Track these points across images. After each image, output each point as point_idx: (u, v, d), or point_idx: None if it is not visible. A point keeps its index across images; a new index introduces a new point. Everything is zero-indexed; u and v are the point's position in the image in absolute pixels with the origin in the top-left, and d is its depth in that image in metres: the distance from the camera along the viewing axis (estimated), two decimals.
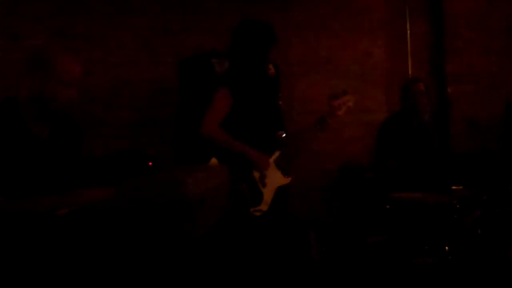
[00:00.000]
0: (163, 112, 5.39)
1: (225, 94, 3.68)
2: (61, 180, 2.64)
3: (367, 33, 6.49)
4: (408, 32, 6.56)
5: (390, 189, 4.40)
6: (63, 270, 2.23)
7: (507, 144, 6.04)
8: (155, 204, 2.13)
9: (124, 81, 5.38)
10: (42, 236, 2.31)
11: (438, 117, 6.57)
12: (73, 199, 2.49)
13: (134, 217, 2.16)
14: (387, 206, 4.33)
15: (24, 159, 2.50)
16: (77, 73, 2.61)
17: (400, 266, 4.01)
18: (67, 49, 2.66)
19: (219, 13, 5.74)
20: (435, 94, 6.62)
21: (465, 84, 6.50)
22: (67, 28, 5.15)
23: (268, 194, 3.69)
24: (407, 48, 6.56)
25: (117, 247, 2.18)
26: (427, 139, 5.05)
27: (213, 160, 3.63)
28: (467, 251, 3.91)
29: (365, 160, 5.31)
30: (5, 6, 4.96)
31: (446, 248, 3.89)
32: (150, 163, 4.75)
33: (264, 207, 3.64)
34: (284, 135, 3.86)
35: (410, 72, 6.53)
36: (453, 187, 4.11)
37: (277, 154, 3.78)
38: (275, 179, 3.76)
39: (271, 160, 3.76)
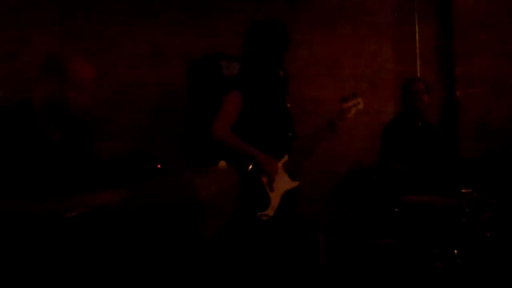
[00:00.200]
0: (172, 115, 5.39)
1: (237, 97, 3.63)
2: (73, 182, 2.65)
3: (376, 36, 6.48)
4: (417, 34, 6.56)
5: (398, 192, 4.39)
6: (72, 272, 2.24)
7: None
8: (165, 206, 2.13)
9: (133, 83, 5.39)
10: (51, 238, 2.32)
11: (447, 120, 6.56)
12: (83, 201, 2.50)
13: (144, 219, 2.16)
14: (396, 209, 4.32)
15: (37, 161, 2.52)
16: (90, 79, 2.62)
17: (408, 270, 4.01)
18: (78, 52, 2.68)
19: (228, 16, 5.75)
20: (444, 97, 6.62)
21: (474, 87, 6.48)
22: (78, 31, 5.16)
23: (275, 198, 3.65)
24: (415, 50, 6.55)
25: (127, 249, 2.18)
26: (432, 139, 5.04)
27: (222, 163, 3.61)
28: (476, 255, 3.90)
29: (374, 162, 5.29)
30: (16, 9, 4.97)
31: (455, 251, 3.88)
32: (159, 166, 4.75)
33: (270, 212, 3.59)
34: (293, 138, 3.86)
35: (418, 74, 6.52)
36: (462, 190, 4.10)
37: (285, 158, 3.76)
38: (283, 183, 3.71)
39: (280, 164, 3.73)
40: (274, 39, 3.67)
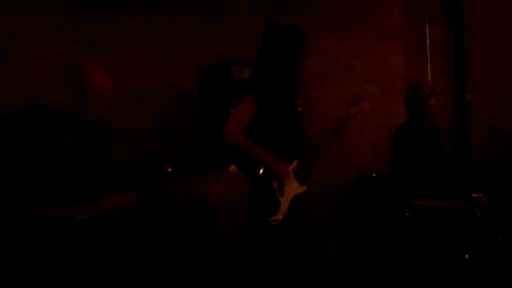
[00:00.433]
0: (183, 119, 5.40)
1: (251, 101, 3.60)
2: (86, 186, 2.66)
3: (386, 40, 6.48)
4: (428, 38, 6.55)
5: (410, 197, 4.39)
6: (84, 275, 2.25)
7: None
8: (176, 211, 2.14)
9: (144, 87, 5.40)
10: (63, 242, 2.33)
11: (458, 124, 6.54)
12: (94, 205, 2.51)
13: (154, 223, 2.17)
14: (407, 214, 4.31)
15: (51, 166, 2.53)
16: (108, 92, 2.63)
17: (419, 274, 4.00)
18: (88, 57, 2.69)
19: (239, 21, 5.76)
20: (455, 101, 6.60)
21: (485, 91, 6.47)
22: (89, 35, 5.18)
23: (284, 203, 3.63)
24: (426, 54, 6.55)
25: (138, 253, 2.19)
26: (439, 143, 5.04)
27: (232, 167, 3.60)
28: (487, 260, 3.88)
29: (385, 167, 5.29)
30: (26, 13, 5.00)
31: (466, 256, 3.87)
32: (170, 170, 4.77)
33: (280, 216, 3.58)
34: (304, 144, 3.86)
35: (429, 78, 6.51)
36: (474, 195, 4.09)
37: (295, 162, 3.76)
38: (292, 188, 3.70)
39: (290, 169, 3.73)
40: (289, 44, 3.66)
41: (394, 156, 4.85)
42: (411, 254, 4.15)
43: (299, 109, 4.06)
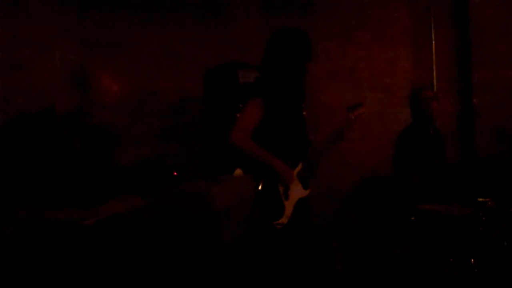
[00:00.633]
0: (188, 122, 5.42)
1: (258, 105, 3.60)
2: (93, 190, 2.67)
3: (392, 43, 6.49)
4: (433, 42, 6.54)
5: (415, 201, 4.38)
6: (90, 280, 2.26)
7: None
8: (181, 215, 2.14)
9: (150, 90, 5.42)
10: (70, 245, 2.34)
11: (463, 128, 6.53)
12: (100, 209, 2.52)
13: (160, 227, 2.17)
14: (412, 218, 4.31)
15: (58, 169, 2.54)
16: (114, 96, 2.63)
17: (425, 278, 3.99)
18: (94, 61, 2.69)
19: (244, 25, 5.77)
20: (461, 104, 6.59)
21: (491, 95, 6.46)
22: (95, 38, 5.20)
23: (289, 207, 3.65)
24: (432, 58, 6.54)
25: (143, 257, 2.19)
26: (442, 146, 5.04)
27: (238, 171, 3.61)
28: (493, 264, 3.87)
29: (390, 170, 5.29)
30: (33, 17, 5.03)
31: (472, 260, 3.86)
32: (175, 173, 4.78)
33: (284, 220, 3.60)
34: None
35: (435, 82, 6.51)
36: (479, 199, 4.08)
37: (299, 166, 3.77)
38: (296, 192, 3.72)
39: (294, 172, 3.74)
40: (297, 48, 3.66)
41: (398, 159, 4.85)
42: (416, 258, 4.15)
43: (304, 113, 4.07)
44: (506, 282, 3.79)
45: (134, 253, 2.20)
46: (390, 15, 6.48)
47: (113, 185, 2.85)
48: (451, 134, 6.15)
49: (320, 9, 6.15)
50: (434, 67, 6.53)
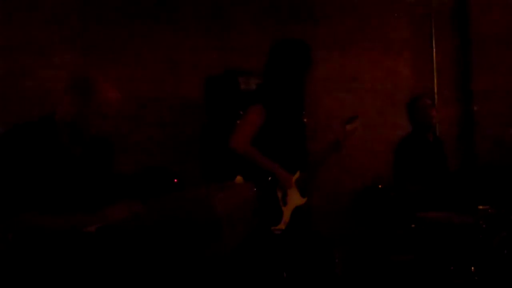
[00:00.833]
0: (189, 129, 5.43)
1: (259, 111, 3.64)
2: (93, 197, 2.67)
3: (393, 51, 6.50)
4: (434, 50, 6.56)
5: (415, 209, 4.38)
6: (90, 286, 2.26)
7: None
8: (182, 222, 2.15)
9: (151, 97, 5.44)
10: (70, 252, 2.34)
11: (464, 136, 6.53)
12: (101, 216, 2.52)
13: (161, 234, 2.18)
14: (413, 225, 4.31)
15: (58, 176, 2.54)
16: (115, 106, 2.63)
17: (425, 286, 3.99)
18: (95, 68, 2.70)
19: (245, 31, 5.79)
20: (461, 112, 6.60)
21: (491, 103, 6.46)
22: (96, 45, 5.22)
23: (286, 213, 3.68)
24: (433, 66, 6.55)
25: (144, 264, 2.20)
26: (442, 154, 5.04)
27: (239, 178, 3.63)
28: (493, 272, 3.87)
29: (391, 178, 5.29)
30: (34, 23, 5.04)
31: (472, 268, 3.86)
32: (176, 180, 4.78)
33: (282, 226, 3.62)
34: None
35: (435, 89, 6.52)
36: (480, 207, 4.08)
37: (297, 174, 3.80)
38: (294, 199, 3.75)
39: (293, 179, 3.77)
40: (297, 58, 3.71)
41: (398, 168, 4.85)
42: (416, 266, 4.15)
43: (304, 120, 4.10)
44: None
45: (136, 260, 2.20)
46: (390, 23, 6.49)
47: (114, 192, 2.85)
48: (452, 141, 6.16)
49: (320, 17, 6.16)
50: (435, 74, 6.54)
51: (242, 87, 4.91)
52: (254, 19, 5.85)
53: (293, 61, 3.70)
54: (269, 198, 3.63)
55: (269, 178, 3.64)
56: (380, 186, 5.87)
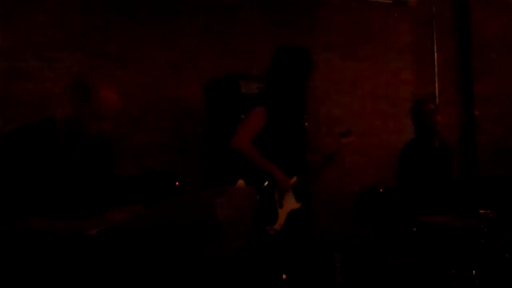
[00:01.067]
0: (190, 133, 5.43)
1: (262, 113, 3.70)
2: (93, 199, 2.67)
3: (394, 55, 6.51)
4: (436, 54, 6.57)
5: (417, 212, 4.38)
6: None
7: None
8: (183, 225, 2.15)
9: (152, 101, 5.44)
10: (71, 255, 2.34)
11: (465, 140, 6.54)
12: (102, 219, 2.52)
13: (163, 238, 2.18)
14: (414, 229, 4.31)
15: (59, 179, 2.54)
16: (113, 108, 2.63)
17: None
18: (97, 71, 2.70)
19: (247, 36, 5.79)
20: (463, 116, 6.60)
21: (493, 107, 6.47)
22: (99, 50, 5.22)
23: (282, 215, 3.73)
24: (434, 70, 6.56)
25: (145, 267, 2.20)
26: (448, 159, 5.04)
27: (240, 182, 3.66)
28: (494, 276, 3.87)
29: (391, 182, 5.29)
30: (37, 28, 5.05)
31: (473, 272, 3.86)
32: (177, 183, 4.78)
33: (278, 227, 3.68)
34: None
35: (437, 94, 6.52)
36: (481, 211, 4.08)
37: (295, 178, 3.83)
38: (289, 202, 3.80)
39: (290, 182, 3.81)
40: (299, 66, 3.78)
41: (402, 172, 4.84)
42: (417, 270, 4.14)
43: (306, 124, 4.13)
44: None
45: (137, 263, 2.20)
46: (392, 27, 6.50)
47: (115, 195, 2.85)
48: (453, 146, 6.16)
49: (322, 21, 6.17)
50: (436, 78, 6.55)
51: (243, 91, 4.92)
52: (255, 24, 5.85)
53: (295, 68, 3.76)
54: (266, 199, 3.68)
55: (266, 181, 3.68)
56: (381, 189, 5.86)
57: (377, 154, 6.22)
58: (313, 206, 4.04)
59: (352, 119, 6.16)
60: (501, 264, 3.89)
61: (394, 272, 4.45)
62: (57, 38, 5.12)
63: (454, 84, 6.67)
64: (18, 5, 5.00)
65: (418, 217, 4.28)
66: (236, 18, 5.81)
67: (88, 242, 2.35)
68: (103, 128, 2.62)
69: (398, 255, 4.60)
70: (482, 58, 6.54)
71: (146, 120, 5.43)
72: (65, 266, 2.29)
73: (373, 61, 6.38)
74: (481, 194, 4.73)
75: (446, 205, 4.47)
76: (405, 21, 6.57)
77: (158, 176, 4.82)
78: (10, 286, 2.31)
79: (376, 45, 6.40)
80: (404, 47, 6.54)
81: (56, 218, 2.46)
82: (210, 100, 5.20)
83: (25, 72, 4.96)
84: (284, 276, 3.65)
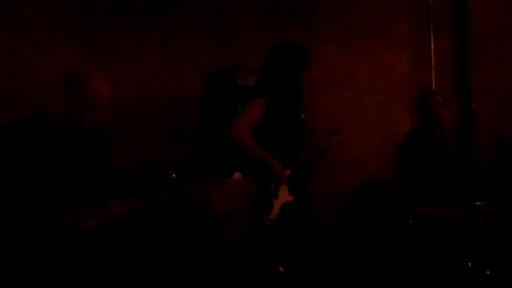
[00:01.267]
0: (187, 125, 5.43)
1: (261, 104, 3.75)
2: (87, 191, 2.67)
3: (391, 48, 6.50)
4: (432, 46, 6.56)
5: (413, 204, 4.39)
6: (88, 283, 2.26)
7: None
8: (181, 218, 2.15)
9: (149, 93, 5.43)
10: (68, 248, 2.34)
11: (462, 132, 6.54)
12: (99, 212, 2.52)
13: (160, 230, 2.18)
14: (410, 221, 4.32)
15: (53, 172, 2.53)
16: (106, 99, 2.62)
17: (422, 282, 4.00)
18: (95, 62, 2.69)
19: (244, 28, 5.78)
20: (459, 109, 6.61)
21: (489, 100, 6.47)
22: (95, 42, 5.20)
23: (276, 206, 3.79)
24: (431, 62, 6.56)
25: (143, 260, 2.20)
26: (446, 151, 5.05)
27: (237, 174, 3.68)
28: (490, 268, 3.88)
29: (388, 174, 5.30)
30: (32, 19, 5.03)
31: (469, 264, 3.87)
32: (174, 175, 4.79)
33: (273, 216, 3.75)
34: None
35: (433, 86, 6.53)
36: (477, 203, 4.10)
37: (288, 171, 3.87)
38: (283, 194, 3.86)
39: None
40: (293, 62, 3.84)
41: (402, 162, 4.86)
42: (413, 262, 4.16)
43: (302, 116, 4.17)
44: (504, 286, 3.80)
45: (134, 256, 2.20)
46: (389, 20, 6.50)
47: (111, 186, 2.85)
48: (450, 138, 6.17)
49: (319, 13, 6.16)
50: (433, 71, 6.55)
51: (239, 83, 4.92)
52: (252, 16, 5.84)
53: (290, 63, 3.82)
54: (262, 189, 3.73)
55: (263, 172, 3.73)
56: (378, 181, 5.88)
57: (374, 146, 6.22)
58: (310, 199, 4.06)
59: (348, 111, 6.16)
60: (497, 256, 3.90)
61: (391, 264, 4.46)
62: (54, 31, 5.09)
63: (451, 76, 6.67)
64: None
65: (414, 209, 4.30)
66: (233, 11, 5.79)
67: (85, 235, 2.35)
68: (97, 120, 2.61)
69: (394, 247, 4.62)
70: (479, 51, 6.53)
71: (144, 113, 5.41)
72: (62, 259, 2.29)
73: (370, 53, 6.38)
74: (477, 186, 4.75)
75: (442, 197, 4.48)
76: (402, 12, 6.56)
77: (155, 168, 4.82)
78: (8, 279, 2.31)
79: (373, 37, 6.40)
80: (401, 39, 6.53)
81: (51, 212, 2.46)
82: (207, 92, 5.20)
83: (22, 65, 4.95)
84: (281, 269, 3.67)
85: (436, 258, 4.00)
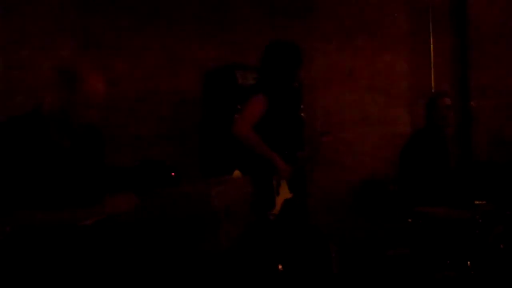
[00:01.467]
0: (186, 123, 5.43)
1: (262, 101, 3.79)
2: (85, 189, 2.66)
3: (391, 47, 6.50)
4: (432, 45, 6.56)
5: (413, 203, 4.39)
6: (86, 280, 2.26)
7: None
8: (180, 216, 2.16)
9: (149, 92, 5.42)
10: (67, 246, 2.34)
11: (461, 131, 6.54)
12: (97, 210, 2.52)
13: (159, 228, 2.19)
14: (409, 220, 4.32)
15: (48, 169, 2.51)
16: (101, 96, 2.60)
17: (421, 280, 4.00)
18: (93, 61, 2.68)
19: (243, 26, 5.78)
20: (459, 108, 6.60)
21: (489, 99, 6.47)
22: (94, 40, 5.20)
23: (278, 203, 3.80)
24: (430, 61, 6.56)
25: (142, 257, 2.21)
26: (448, 152, 5.05)
27: (236, 172, 3.68)
28: (489, 266, 3.89)
29: (388, 173, 5.30)
30: (31, 17, 5.03)
31: (468, 263, 3.88)
32: (173, 174, 4.78)
33: (276, 212, 3.76)
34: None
35: (433, 85, 6.53)
36: (476, 202, 4.10)
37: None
38: (284, 191, 3.87)
39: None
40: (288, 61, 3.87)
41: (406, 162, 4.84)
42: (413, 260, 4.16)
43: (302, 114, 4.18)
44: (503, 285, 3.80)
45: (133, 253, 2.21)
46: (389, 18, 6.49)
47: (109, 184, 2.84)
48: (449, 137, 6.17)
49: (319, 12, 6.16)
50: (432, 70, 6.55)
51: (239, 81, 4.93)
52: (251, 14, 5.84)
53: (285, 61, 3.86)
54: (265, 185, 3.73)
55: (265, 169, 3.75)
56: (377, 180, 5.88)
57: (373, 145, 6.22)
58: (310, 197, 4.07)
59: (348, 110, 6.17)
60: (496, 255, 3.91)
61: (390, 263, 4.46)
62: (56, 30, 5.10)
63: (450, 75, 6.67)
64: None
65: (413, 208, 4.30)
66: (232, 9, 5.79)
67: (84, 233, 2.35)
68: (92, 116, 2.60)
69: (394, 246, 4.62)
70: (479, 49, 6.53)
71: (143, 111, 5.41)
72: (60, 257, 2.29)
73: (369, 52, 6.38)
74: (477, 185, 4.75)
75: (441, 196, 4.48)
76: (402, 12, 6.56)
77: (154, 167, 4.82)
78: (7, 278, 2.31)
79: (373, 35, 6.40)
80: (401, 38, 6.54)
81: (49, 210, 2.45)
82: (207, 90, 5.20)
83: (21, 63, 4.95)
84: (280, 267, 3.67)
85: (436, 257, 4.00)
